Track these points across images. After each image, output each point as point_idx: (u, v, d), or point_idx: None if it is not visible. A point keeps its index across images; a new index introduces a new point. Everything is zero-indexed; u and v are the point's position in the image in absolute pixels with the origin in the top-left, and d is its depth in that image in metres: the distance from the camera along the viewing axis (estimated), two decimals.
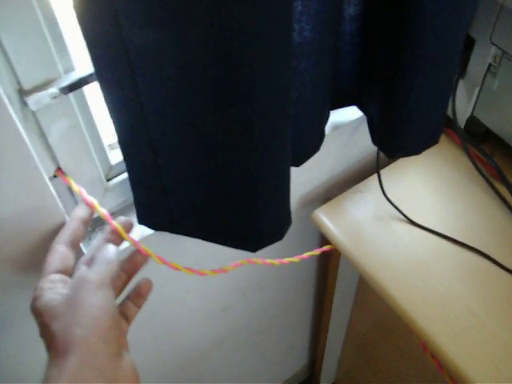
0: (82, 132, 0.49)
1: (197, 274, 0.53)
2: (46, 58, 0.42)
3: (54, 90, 0.43)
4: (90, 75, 0.45)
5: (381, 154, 0.68)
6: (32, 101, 0.43)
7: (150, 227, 0.57)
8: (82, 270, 0.43)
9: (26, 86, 0.42)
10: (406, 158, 0.75)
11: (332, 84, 0.58)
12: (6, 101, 0.39)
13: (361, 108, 0.66)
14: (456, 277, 0.65)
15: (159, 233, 0.58)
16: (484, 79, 0.68)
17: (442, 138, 0.65)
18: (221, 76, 0.39)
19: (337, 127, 0.69)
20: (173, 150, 0.47)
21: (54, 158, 0.49)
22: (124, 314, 0.47)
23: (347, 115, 0.70)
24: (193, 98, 0.41)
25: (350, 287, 0.88)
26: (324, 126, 0.63)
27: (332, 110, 0.64)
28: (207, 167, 0.47)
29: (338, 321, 0.99)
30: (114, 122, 0.46)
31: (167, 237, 0.58)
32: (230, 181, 0.48)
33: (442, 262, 0.66)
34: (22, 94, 0.43)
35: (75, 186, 0.49)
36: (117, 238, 0.49)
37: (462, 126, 0.74)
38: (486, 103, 0.70)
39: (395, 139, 0.61)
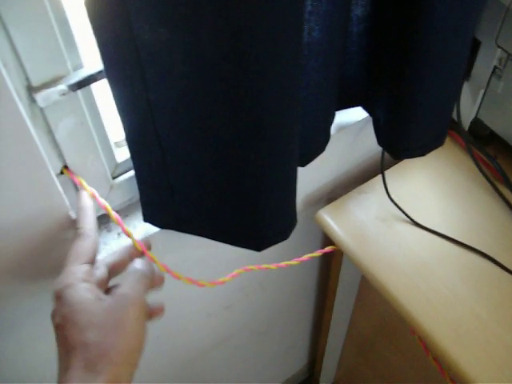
0: (89, 129, 0.49)
1: (196, 285, 0.53)
2: (56, 54, 0.42)
3: (62, 86, 0.43)
4: (99, 72, 0.44)
5: (385, 154, 0.68)
6: (40, 97, 0.42)
7: (155, 225, 0.57)
8: (124, 286, 0.43)
9: (35, 82, 0.42)
10: (410, 160, 0.74)
11: (338, 84, 0.58)
12: (15, 97, 0.39)
13: (366, 109, 0.66)
14: (459, 278, 0.65)
15: (163, 231, 0.58)
16: (489, 82, 0.68)
17: (447, 139, 0.65)
18: (230, 74, 0.39)
19: (342, 128, 0.69)
20: (181, 148, 0.47)
21: (60, 155, 0.49)
22: None
23: (353, 116, 0.70)
24: (202, 96, 0.41)
25: (352, 288, 0.88)
26: (330, 126, 0.63)
27: (338, 110, 0.64)
28: (215, 166, 0.47)
29: (338, 321, 0.99)
30: (122, 120, 0.46)
31: (173, 235, 0.58)
32: (238, 180, 0.48)
33: (445, 264, 0.66)
34: (31, 90, 0.42)
35: (87, 187, 0.49)
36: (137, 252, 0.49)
37: (467, 128, 0.74)
38: (491, 106, 0.70)
39: (401, 140, 0.61)
